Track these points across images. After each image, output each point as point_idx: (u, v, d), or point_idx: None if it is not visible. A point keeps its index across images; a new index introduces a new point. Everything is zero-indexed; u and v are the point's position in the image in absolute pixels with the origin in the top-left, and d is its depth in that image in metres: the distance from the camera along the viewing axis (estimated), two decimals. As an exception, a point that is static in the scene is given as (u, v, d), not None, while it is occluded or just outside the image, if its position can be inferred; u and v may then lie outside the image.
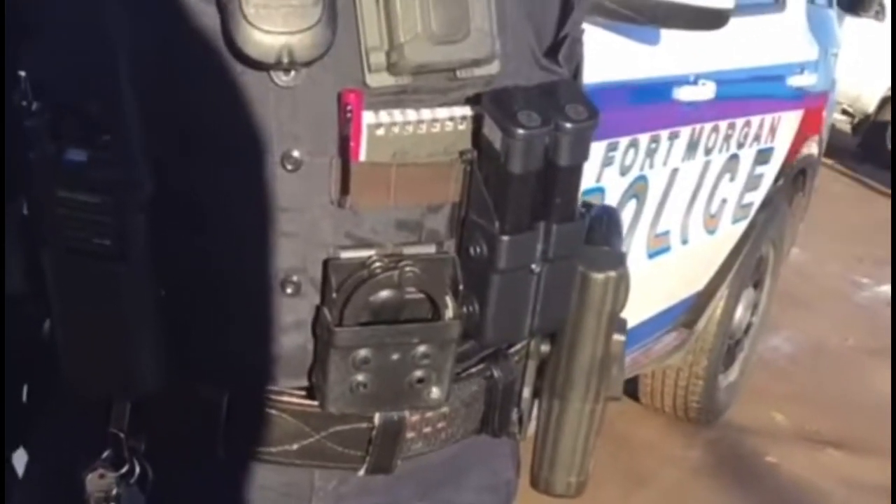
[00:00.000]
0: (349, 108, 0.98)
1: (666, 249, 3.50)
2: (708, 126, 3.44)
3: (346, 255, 1.03)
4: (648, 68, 3.03)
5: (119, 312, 1.00)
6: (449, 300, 1.06)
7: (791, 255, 5.04)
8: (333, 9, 0.97)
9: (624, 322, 1.23)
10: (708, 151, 3.51)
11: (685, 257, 3.68)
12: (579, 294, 1.16)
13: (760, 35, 3.88)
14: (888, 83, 10.11)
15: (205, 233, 1.03)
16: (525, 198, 1.03)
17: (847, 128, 10.38)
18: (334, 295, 1.03)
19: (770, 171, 4.13)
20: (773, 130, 4.02)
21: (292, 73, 0.98)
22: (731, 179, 3.79)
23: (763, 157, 4.00)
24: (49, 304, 1.03)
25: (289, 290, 1.04)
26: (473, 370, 1.16)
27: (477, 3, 1.00)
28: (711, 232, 3.82)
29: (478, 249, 1.04)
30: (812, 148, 4.62)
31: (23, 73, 0.97)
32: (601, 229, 1.23)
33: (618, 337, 1.21)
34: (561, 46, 1.13)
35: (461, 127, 1.03)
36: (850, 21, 8.39)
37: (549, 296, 1.09)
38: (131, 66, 0.97)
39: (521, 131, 1.00)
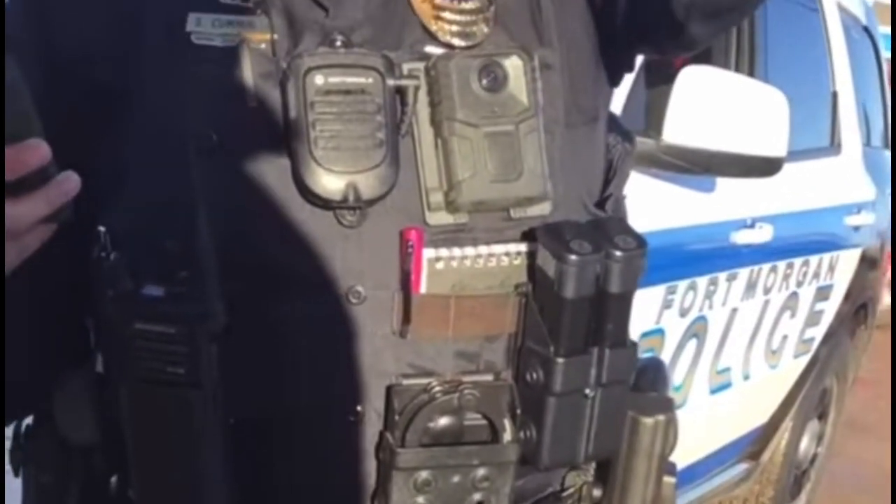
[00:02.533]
0: (410, 244, 1.01)
1: (727, 385, 3.43)
2: (766, 266, 3.40)
3: (407, 381, 1.04)
4: (705, 214, 3.01)
5: (192, 439, 1.00)
6: (507, 423, 1.07)
7: (855, 384, 4.93)
8: (396, 151, 1.00)
9: (673, 465, 1.22)
10: (767, 291, 3.46)
11: (747, 392, 3.61)
12: (629, 438, 1.16)
13: (817, 178, 3.85)
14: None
15: (271, 364, 1.04)
16: (578, 323, 1.05)
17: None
18: (397, 418, 1.03)
19: (830, 307, 4.06)
20: (832, 269, 3.96)
21: (357, 212, 1.00)
22: (792, 316, 3.73)
23: (823, 294, 3.94)
24: (118, 455, 1.04)
25: (352, 419, 1.05)
26: None
27: (529, 146, 1.03)
28: (773, 367, 3.76)
29: (534, 375, 1.05)
30: (872, 283, 4.54)
31: (102, 229, 0.99)
32: (649, 377, 1.23)
33: (668, 479, 1.21)
34: (606, 202, 1.16)
35: (516, 262, 1.05)
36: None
37: (603, 421, 1.09)
38: (208, 209, 0.99)
39: (573, 257, 1.02)
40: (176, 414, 0.99)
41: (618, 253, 1.04)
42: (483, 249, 1.04)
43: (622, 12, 1.14)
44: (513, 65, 1.04)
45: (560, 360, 1.04)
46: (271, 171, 1.01)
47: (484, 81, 1.03)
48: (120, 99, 1.03)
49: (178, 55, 1.02)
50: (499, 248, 1.05)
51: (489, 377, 1.07)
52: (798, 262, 3.65)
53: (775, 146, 2.81)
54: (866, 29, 4.66)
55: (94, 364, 1.08)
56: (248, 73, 1.01)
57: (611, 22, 1.15)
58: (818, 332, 4.04)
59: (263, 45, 1.02)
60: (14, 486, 1.17)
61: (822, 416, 4.46)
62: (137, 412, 1.00)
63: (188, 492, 1.02)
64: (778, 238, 3.35)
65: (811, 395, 4.18)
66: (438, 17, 1.05)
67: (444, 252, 1.02)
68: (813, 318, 3.93)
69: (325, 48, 1.01)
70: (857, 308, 4.44)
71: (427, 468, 1.04)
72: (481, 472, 1.06)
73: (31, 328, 1.05)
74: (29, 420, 1.15)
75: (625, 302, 1.07)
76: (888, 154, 4.93)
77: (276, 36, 1.02)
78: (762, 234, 3.28)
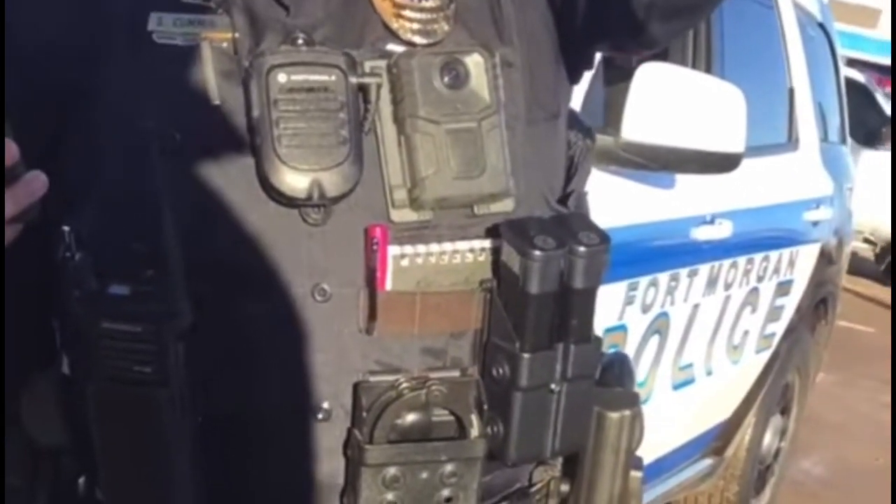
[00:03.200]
0: (375, 241, 1.01)
1: (690, 381, 3.45)
2: (727, 262, 3.41)
3: (374, 378, 1.05)
4: (665, 210, 3.02)
5: (160, 438, 1.00)
6: (474, 419, 1.07)
7: (818, 380, 4.96)
8: (360, 148, 1.00)
9: (640, 459, 1.23)
10: (728, 286, 3.48)
11: (710, 387, 3.63)
12: (596, 433, 1.17)
13: (775, 173, 3.87)
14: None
15: (238, 363, 1.04)
16: (543, 318, 1.05)
17: (871, 255, 10.29)
18: (364, 414, 1.04)
19: (791, 303, 4.09)
20: (791, 263, 3.99)
21: (321, 210, 1.00)
22: (753, 312, 3.75)
23: (783, 289, 3.96)
24: (86, 456, 1.03)
25: (320, 416, 1.05)
26: None
27: (491, 143, 1.04)
28: (735, 362, 3.77)
29: (500, 370, 1.06)
30: (832, 278, 4.57)
31: (66, 228, 0.99)
32: (614, 372, 1.25)
33: (635, 473, 1.22)
34: (569, 198, 1.17)
35: (481, 258, 1.06)
36: (867, 154, 8.42)
37: (569, 415, 1.10)
38: (173, 208, 0.99)
39: (537, 253, 1.03)
40: (143, 413, 0.99)
41: (581, 248, 1.05)
42: (447, 246, 1.04)
43: (582, 10, 1.15)
44: (474, 62, 1.05)
45: (525, 355, 1.05)
46: (235, 170, 1.01)
47: (446, 79, 1.04)
48: (82, 98, 1.02)
49: (140, 54, 1.02)
50: (463, 245, 1.05)
51: (456, 373, 1.07)
52: (758, 257, 3.67)
53: (733, 142, 2.82)
54: (821, 25, 4.70)
55: (59, 365, 1.08)
56: (210, 71, 1.01)
57: (571, 20, 1.16)
58: (779, 328, 4.06)
59: (225, 44, 1.02)
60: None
61: (784, 412, 4.48)
62: (104, 412, 1.00)
63: (157, 491, 1.02)
64: (737, 234, 3.37)
65: (773, 391, 4.20)
66: (399, 16, 1.06)
67: (408, 249, 1.03)
68: (774, 314, 3.95)
69: (287, 46, 1.01)
70: (817, 303, 4.47)
71: (395, 464, 1.05)
72: (449, 467, 1.07)
73: None
74: None
75: (589, 297, 1.08)
76: (845, 149, 4.97)
77: (237, 34, 1.02)
78: (722, 230, 3.29)
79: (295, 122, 0.99)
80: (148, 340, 0.97)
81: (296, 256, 1.02)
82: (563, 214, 1.13)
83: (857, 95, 6.28)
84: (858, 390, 6.60)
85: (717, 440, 3.97)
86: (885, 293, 9.43)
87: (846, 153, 4.99)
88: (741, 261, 3.53)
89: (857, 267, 7.76)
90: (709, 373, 3.58)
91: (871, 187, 7.86)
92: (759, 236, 3.70)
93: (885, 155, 8.48)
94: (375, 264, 1.02)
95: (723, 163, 2.85)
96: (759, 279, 3.72)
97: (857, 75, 9.42)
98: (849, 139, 5.17)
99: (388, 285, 1.03)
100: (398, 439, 1.05)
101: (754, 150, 3.17)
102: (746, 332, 3.77)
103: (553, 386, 1.08)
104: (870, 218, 8.68)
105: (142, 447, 1.00)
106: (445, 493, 1.07)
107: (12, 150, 0.82)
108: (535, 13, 1.14)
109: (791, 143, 4.14)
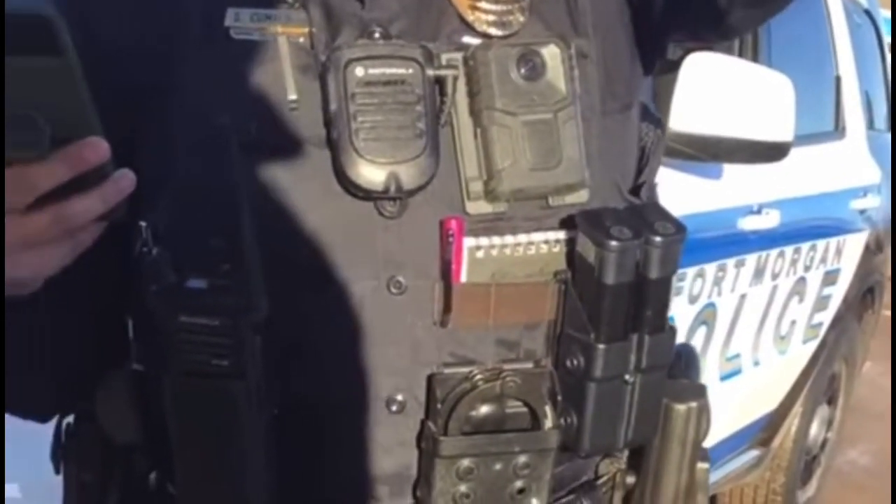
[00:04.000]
0: (451, 233, 1.01)
1: (737, 372, 3.43)
2: (774, 252, 3.39)
3: (448, 370, 1.05)
4: (712, 200, 3.00)
5: (236, 431, 1.00)
6: (548, 410, 1.07)
7: (864, 369, 4.92)
8: (436, 141, 1.00)
9: (706, 451, 1.22)
10: (775, 276, 3.45)
11: (757, 378, 3.61)
12: (663, 425, 1.17)
13: (822, 162, 3.84)
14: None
15: (312, 355, 1.04)
16: (618, 309, 1.05)
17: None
18: (439, 406, 1.04)
19: (838, 292, 4.06)
20: (839, 252, 3.96)
21: (397, 203, 1.00)
22: (800, 301, 3.72)
23: (830, 278, 3.93)
24: (159, 452, 1.04)
25: (394, 409, 1.05)
26: (564, 501, 1.16)
27: (567, 134, 1.03)
28: (782, 353, 3.75)
29: (575, 361, 1.06)
30: (879, 267, 4.53)
31: (143, 224, 0.99)
32: (680, 364, 1.23)
33: (702, 465, 1.21)
34: (640, 189, 1.17)
35: (555, 249, 1.05)
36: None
37: (642, 406, 1.10)
38: (250, 202, 0.99)
39: (613, 243, 1.02)
40: (220, 406, 0.99)
41: (657, 238, 1.04)
42: (522, 238, 1.04)
43: (661, 1, 1.14)
44: (550, 53, 1.05)
45: (601, 346, 1.05)
46: (310, 164, 1.01)
47: (522, 70, 1.03)
48: (158, 95, 1.03)
49: (217, 50, 1.02)
50: (538, 236, 1.05)
51: (529, 364, 1.07)
52: (805, 246, 3.64)
53: (782, 131, 2.80)
54: (868, 13, 4.65)
55: (132, 362, 1.08)
56: (287, 66, 1.01)
57: (649, 10, 1.15)
58: (826, 317, 4.03)
59: (301, 39, 1.02)
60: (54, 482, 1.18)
61: (831, 402, 4.45)
62: (181, 405, 1.00)
63: (230, 484, 1.02)
64: (785, 223, 3.35)
65: (820, 381, 4.17)
66: (475, 7, 1.05)
67: (483, 241, 1.03)
68: (821, 303, 3.92)
69: (364, 40, 1.01)
70: (864, 292, 4.44)
71: (469, 456, 1.05)
72: (522, 458, 1.07)
73: (75, 326, 1.04)
74: (70, 419, 1.15)
75: (664, 287, 1.08)
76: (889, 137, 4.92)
77: (313, 29, 1.02)
78: (769, 220, 3.27)
79: (372, 116, 0.98)
80: (225, 334, 0.97)
81: (371, 249, 1.02)
82: (637, 205, 1.12)
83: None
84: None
85: (764, 431, 3.95)
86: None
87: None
88: (788, 250, 3.51)
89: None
90: (756, 363, 3.56)
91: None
92: (806, 225, 3.68)
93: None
94: (451, 256, 1.02)
95: (771, 152, 2.83)
96: (807, 269, 3.69)
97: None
98: (895, 126, 5.13)
99: (463, 277, 1.03)
100: (472, 431, 1.06)
101: (801, 138, 3.15)
102: (793, 322, 3.74)
103: (627, 377, 1.08)
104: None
105: (217, 440, 1.00)
106: (518, 484, 1.08)
107: (103, 149, 0.82)
108: (611, 4, 1.14)
109: (838, 131, 4.11)
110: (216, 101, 1.01)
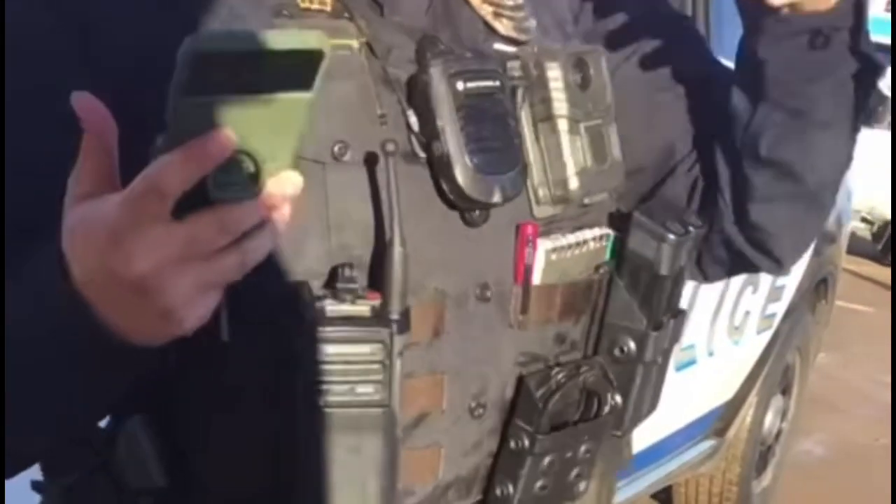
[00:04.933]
0: (530, 238, 1.05)
1: (692, 362, 3.44)
2: (727, 243, 3.38)
3: (527, 369, 1.08)
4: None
5: (376, 461, 0.96)
6: (610, 397, 1.11)
7: (818, 360, 4.95)
8: (522, 150, 1.05)
9: None
10: (728, 267, 3.44)
11: (712, 368, 3.62)
12: None
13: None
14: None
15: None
16: (665, 297, 1.12)
17: (868, 235, 10.27)
18: (531, 405, 1.06)
19: (791, 283, 4.08)
20: (791, 243, 3.96)
21: (481, 212, 1.02)
22: (753, 292, 3.74)
23: (783, 269, 3.93)
24: (181, 495, 1.01)
25: (477, 413, 1.06)
26: None
27: (612, 139, 1.10)
28: (736, 343, 3.76)
29: (625, 348, 1.11)
30: (831, 257, 4.56)
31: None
32: None
33: None
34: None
35: (598, 245, 1.10)
36: (865, 133, 8.36)
37: (659, 382, 1.16)
38: (341, 218, 0.98)
39: (672, 237, 1.08)
40: (359, 436, 0.95)
41: (692, 231, 1.11)
42: (578, 237, 1.09)
43: None
44: (596, 62, 1.09)
45: (653, 333, 1.10)
46: (400, 177, 0.98)
47: (578, 78, 1.07)
48: None
49: None
50: (588, 234, 1.09)
51: (577, 355, 1.12)
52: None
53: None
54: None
55: (163, 407, 1.02)
56: (369, 79, 1.00)
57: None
58: (780, 308, 4.05)
59: (361, 50, 1.00)
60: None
61: (785, 392, 4.47)
62: (318, 439, 0.95)
63: None
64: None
65: (774, 371, 4.19)
66: (499, 14, 1.08)
67: (552, 243, 1.06)
68: (774, 294, 3.94)
69: (449, 55, 1.01)
70: (817, 283, 4.46)
71: (554, 451, 1.08)
72: (585, 446, 1.11)
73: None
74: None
75: (682, 275, 1.15)
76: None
77: (368, 39, 1.00)
78: (722, 211, 3.27)
79: (478, 129, 1.00)
80: (376, 361, 0.95)
81: (459, 258, 1.03)
82: (661, 202, 1.17)
83: (854, 75, 6.28)
84: (858, 370, 6.59)
85: (719, 421, 3.96)
86: (882, 273, 9.44)
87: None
88: (741, 241, 3.51)
89: (855, 246, 7.72)
90: (710, 354, 3.57)
91: (869, 167, 7.84)
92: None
93: (882, 134, 8.45)
94: (528, 260, 1.05)
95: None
96: (760, 259, 3.69)
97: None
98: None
99: (538, 279, 1.06)
100: (555, 426, 1.09)
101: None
102: (747, 313, 3.75)
103: (658, 358, 1.13)
104: (867, 197, 8.66)
105: (353, 471, 0.96)
106: (576, 471, 1.11)
107: (299, 183, 0.77)
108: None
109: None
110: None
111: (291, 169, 0.76)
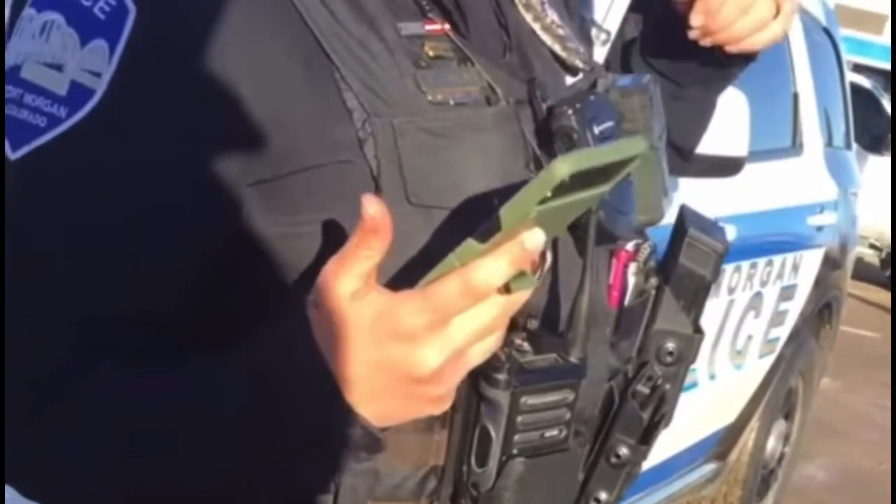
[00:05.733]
0: (626, 262, 1.08)
1: (693, 385, 3.42)
2: (730, 267, 3.38)
3: (613, 382, 1.08)
4: (668, 214, 2.98)
5: (559, 494, 1.01)
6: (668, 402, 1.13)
7: (822, 385, 4.93)
8: None
9: None
10: (731, 291, 3.45)
11: (713, 392, 3.60)
12: None
13: (780, 178, 3.84)
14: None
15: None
16: (705, 300, 1.15)
17: (876, 261, 10.24)
18: (640, 417, 1.07)
19: (795, 307, 4.06)
20: (795, 268, 3.96)
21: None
22: (756, 316, 3.72)
23: (787, 293, 3.93)
24: None
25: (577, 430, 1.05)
26: None
27: (665, 162, 1.12)
28: (739, 367, 3.74)
29: (674, 351, 1.12)
30: (836, 282, 4.54)
31: None
32: None
33: None
34: None
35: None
36: (873, 159, 8.39)
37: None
38: None
39: (721, 247, 1.12)
40: (546, 478, 0.97)
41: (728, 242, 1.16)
42: (642, 254, 1.11)
43: None
44: (655, 89, 1.11)
45: (699, 335, 1.13)
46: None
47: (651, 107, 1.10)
48: None
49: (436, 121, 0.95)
50: (647, 248, 1.12)
51: (636, 362, 1.12)
52: (762, 261, 3.63)
53: (736, 146, 2.80)
54: (826, 30, 4.66)
55: None
56: (519, 127, 0.99)
57: None
58: (783, 332, 4.03)
59: (487, 94, 0.98)
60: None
61: (788, 416, 4.45)
62: (509, 488, 0.96)
63: None
64: (741, 238, 3.34)
65: (777, 395, 4.17)
66: (566, 48, 1.09)
67: (636, 265, 1.09)
68: (777, 318, 3.92)
69: (579, 98, 1.02)
70: (821, 307, 4.44)
71: (642, 459, 1.09)
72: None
73: None
74: None
75: None
76: (850, 154, 4.94)
77: (492, 83, 0.98)
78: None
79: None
80: (565, 406, 0.96)
81: (573, 283, 1.04)
82: (691, 213, 1.19)
83: (863, 101, 6.23)
84: (862, 395, 6.57)
85: (720, 445, 3.95)
86: (889, 298, 9.40)
87: (851, 158, 4.96)
88: (745, 265, 3.51)
89: (862, 272, 7.72)
90: (712, 377, 3.55)
91: (877, 193, 7.83)
92: (763, 241, 3.67)
93: (889, 161, 8.45)
94: (625, 283, 1.08)
95: (726, 167, 2.82)
96: (763, 283, 3.69)
97: (863, 81, 9.38)
98: (854, 144, 5.14)
99: (629, 301, 1.10)
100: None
101: (758, 154, 3.14)
102: (750, 337, 3.74)
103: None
104: (875, 223, 8.66)
105: None
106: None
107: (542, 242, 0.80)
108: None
109: (795, 147, 4.12)
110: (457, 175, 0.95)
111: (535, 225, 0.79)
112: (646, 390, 1.09)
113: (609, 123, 1.03)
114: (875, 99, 9.40)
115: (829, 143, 4.49)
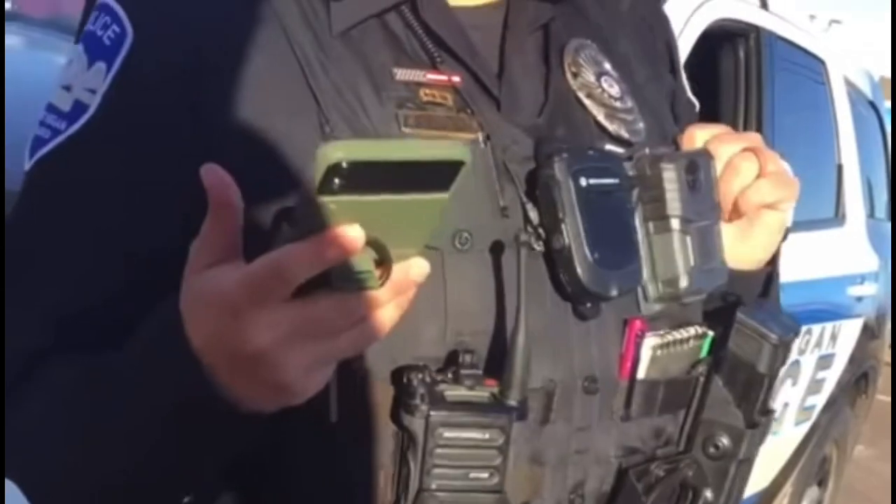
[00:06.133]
0: (639, 333, 1.04)
1: (729, 451, 3.41)
2: (769, 335, 3.39)
3: (626, 460, 1.07)
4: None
5: None
6: (709, 493, 1.11)
7: (855, 452, 4.91)
8: (639, 247, 1.05)
9: None
10: (769, 358, 3.45)
11: (748, 458, 3.59)
12: None
13: (821, 248, 3.86)
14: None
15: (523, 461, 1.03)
16: (762, 395, 1.11)
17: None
18: (640, 498, 1.06)
19: (832, 376, 4.07)
20: (834, 337, 3.97)
21: (589, 305, 1.02)
22: (794, 384, 3.73)
23: (824, 362, 3.94)
24: None
25: (578, 503, 1.05)
26: None
27: (718, 241, 1.09)
28: (774, 433, 3.74)
29: (720, 445, 1.11)
30: (874, 352, 4.55)
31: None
32: None
33: None
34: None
35: (697, 343, 1.10)
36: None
37: (746, 478, 1.14)
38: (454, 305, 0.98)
39: (774, 337, 1.09)
40: None
41: (791, 335, 1.13)
42: (680, 334, 1.08)
43: None
44: (706, 164, 1.09)
45: (749, 430, 1.11)
46: (514, 267, 0.99)
47: (689, 179, 1.07)
48: None
49: None
50: (689, 332, 1.09)
51: (674, 449, 1.11)
52: (801, 330, 3.63)
53: (781, 217, 2.82)
54: (871, 103, 4.70)
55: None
56: (494, 172, 1.00)
57: None
58: (819, 400, 4.03)
59: (482, 144, 1.01)
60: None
61: (821, 483, 4.44)
62: None
63: None
64: (782, 307, 3.34)
65: (811, 462, 4.17)
66: (613, 117, 1.09)
67: (658, 339, 1.06)
68: (814, 387, 3.92)
69: (573, 151, 1.02)
70: (858, 377, 4.44)
71: None
72: None
73: None
74: None
75: (778, 374, 1.16)
76: (892, 226, 4.96)
77: (488, 134, 1.01)
78: (766, 303, 3.28)
79: (599, 225, 1.01)
80: (491, 447, 0.94)
81: (569, 349, 1.02)
82: (764, 302, 1.19)
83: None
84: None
85: (755, 509, 3.94)
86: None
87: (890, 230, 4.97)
88: (784, 333, 3.51)
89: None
90: (747, 443, 3.54)
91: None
92: (803, 310, 3.68)
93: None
94: (637, 355, 1.05)
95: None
96: (801, 352, 3.70)
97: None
98: None
99: (642, 374, 1.06)
100: None
101: (801, 224, 3.17)
102: (786, 405, 3.74)
103: (752, 455, 1.13)
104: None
105: None
106: None
107: (426, 269, 0.78)
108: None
109: (838, 218, 4.14)
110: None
111: (418, 255, 0.77)
112: (660, 472, 1.07)
113: (609, 180, 1.02)
114: (916, 168, 9.42)
115: (871, 214, 4.52)
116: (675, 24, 2.63)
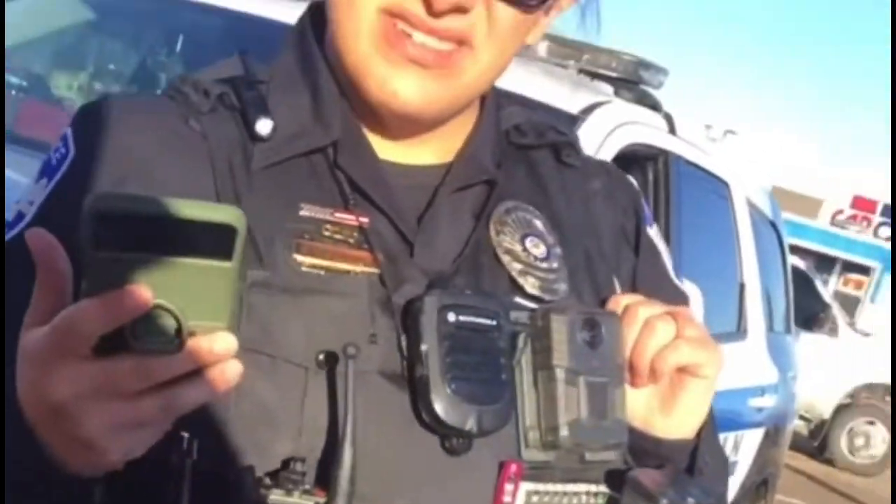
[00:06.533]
0: (512, 476, 1.04)
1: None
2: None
3: None
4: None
5: None
6: None
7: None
8: (513, 390, 1.05)
9: None
10: (676, 468, 3.56)
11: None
12: None
13: (724, 361, 3.99)
14: (841, 393, 10.34)
15: None
16: None
17: (805, 431, 10.46)
18: None
19: (734, 483, 4.18)
20: (736, 447, 4.11)
21: (463, 441, 1.02)
22: (699, 491, 3.83)
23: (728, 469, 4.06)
24: None
25: None
26: None
27: (617, 399, 1.09)
28: (680, 540, 3.84)
29: None
30: (774, 459, 4.70)
31: (186, 435, 0.97)
32: None
33: None
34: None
35: (592, 501, 1.08)
36: (806, 336, 8.64)
37: None
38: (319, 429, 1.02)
39: (665, 502, 1.04)
40: None
41: (690, 500, 1.06)
42: (570, 487, 1.08)
43: None
44: (609, 325, 1.09)
45: None
46: (385, 396, 1.02)
47: (587, 335, 1.07)
48: None
49: (291, 280, 1.03)
50: (580, 487, 1.08)
51: None
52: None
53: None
54: (772, 223, 4.92)
55: None
56: (367, 300, 1.04)
57: None
58: (722, 507, 4.13)
59: (372, 277, 1.05)
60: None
61: (723, 586, 4.53)
62: None
63: None
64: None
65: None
66: (527, 273, 1.12)
67: (539, 486, 1.05)
68: (718, 494, 4.03)
69: (451, 290, 1.05)
70: (759, 483, 4.58)
71: None
72: None
73: None
74: None
75: None
76: (790, 338, 5.15)
77: (380, 271, 1.05)
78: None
79: (463, 359, 1.02)
80: None
81: (435, 483, 1.03)
82: (677, 472, 1.14)
83: (798, 281, 6.54)
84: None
85: None
86: (818, 469, 9.59)
87: (791, 342, 5.17)
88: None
89: (792, 442, 7.88)
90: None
91: (810, 368, 8.05)
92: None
93: (821, 338, 8.76)
94: (509, 498, 1.04)
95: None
96: (706, 462, 3.81)
97: (798, 262, 9.73)
98: (793, 326, 5.37)
99: None
100: None
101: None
102: (692, 510, 3.84)
103: None
104: (806, 396, 8.88)
105: None
106: None
107: (232, 342, 0.79)
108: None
109: (740, 332, 4.29)
110: (291, 326, 1.02)
111: (226, 330, 0.78)
112: None
113: (484, 320, 1.04)
114: (809, 279, 9.74)
115: (770, 328, 4.70)
116: (589, 149, 2.78)
